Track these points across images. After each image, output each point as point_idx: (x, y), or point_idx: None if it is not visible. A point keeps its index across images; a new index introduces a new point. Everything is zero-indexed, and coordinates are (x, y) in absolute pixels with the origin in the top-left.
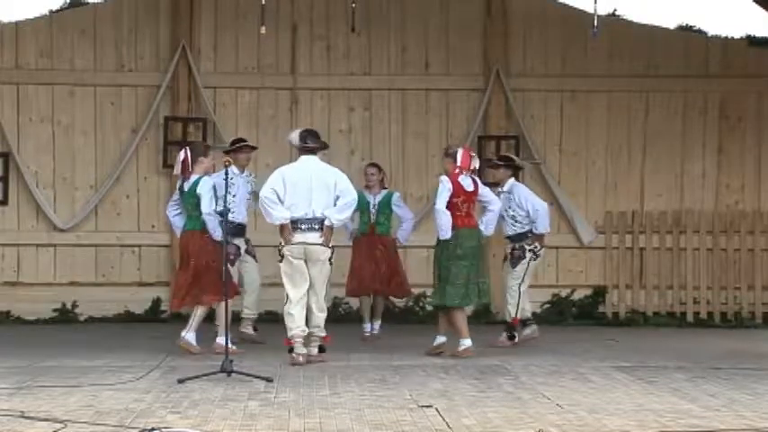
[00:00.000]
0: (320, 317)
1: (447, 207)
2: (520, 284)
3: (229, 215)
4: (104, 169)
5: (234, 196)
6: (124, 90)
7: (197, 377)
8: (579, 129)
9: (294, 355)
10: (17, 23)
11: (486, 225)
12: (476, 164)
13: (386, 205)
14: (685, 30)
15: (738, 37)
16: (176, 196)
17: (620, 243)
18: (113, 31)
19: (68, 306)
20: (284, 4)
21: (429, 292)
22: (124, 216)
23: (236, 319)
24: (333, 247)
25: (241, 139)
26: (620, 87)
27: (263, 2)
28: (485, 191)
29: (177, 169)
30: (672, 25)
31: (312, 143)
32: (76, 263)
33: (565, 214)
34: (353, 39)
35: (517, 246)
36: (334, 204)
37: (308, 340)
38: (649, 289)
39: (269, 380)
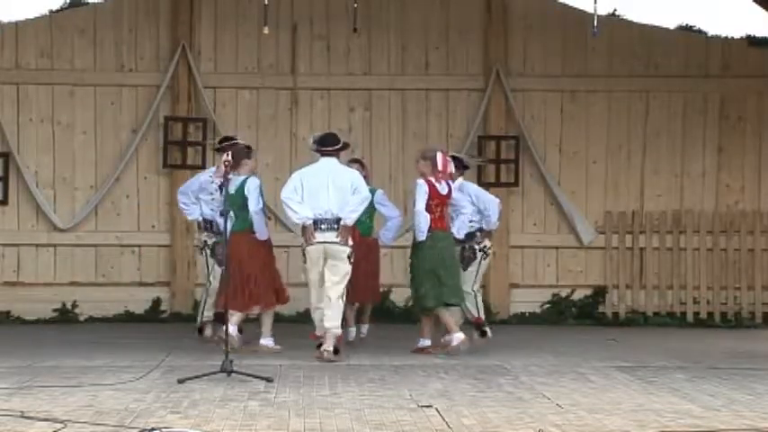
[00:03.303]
0: (336, 315)
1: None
2: (473, 286)
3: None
4: (104, 169)
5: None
6: (124, 90)
7: (197, 377)
8: (579, 129)
9: (322, 350)
10: (17, 23)
11: (459, 228)
12: (452, 168)
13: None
14: (685, 30)
15: (738, 37)
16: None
17: (620, 243)
18: (113, 31)
19: (68, 306)
20: (284, 4)
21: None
22: (124, 216)
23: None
24: (352, 246)
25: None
26: (620, 87)
27: (266, 2)
28: (458, 195)
29: (220, 172)
30: (672, 25)
31: (329, 146)
32: (76, 263)
33: (565, 214)
34: (353, 39)
35: (467, 246)
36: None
37: (324, 338)
38: (649, 289)
39: (269, 380)
